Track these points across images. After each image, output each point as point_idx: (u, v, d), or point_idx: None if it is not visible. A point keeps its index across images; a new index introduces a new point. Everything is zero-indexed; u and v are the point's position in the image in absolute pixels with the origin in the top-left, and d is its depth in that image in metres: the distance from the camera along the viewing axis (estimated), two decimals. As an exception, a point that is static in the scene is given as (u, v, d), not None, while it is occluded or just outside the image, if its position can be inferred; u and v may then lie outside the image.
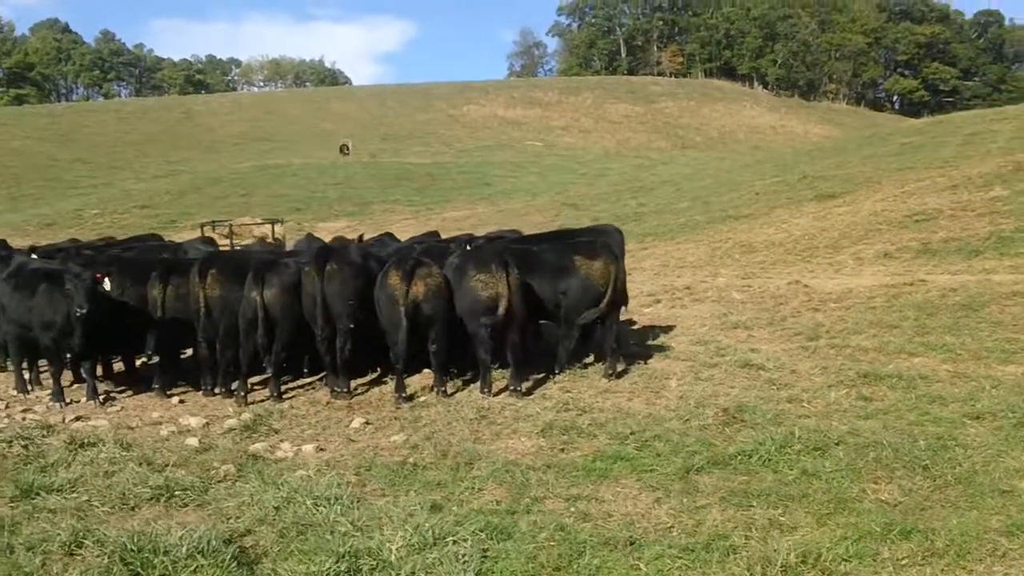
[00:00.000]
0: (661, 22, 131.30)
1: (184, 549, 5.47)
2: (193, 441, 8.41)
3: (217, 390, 10.56)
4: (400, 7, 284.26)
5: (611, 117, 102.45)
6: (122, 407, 10.24)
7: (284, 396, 10.26)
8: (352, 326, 9.99)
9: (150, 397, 10.67)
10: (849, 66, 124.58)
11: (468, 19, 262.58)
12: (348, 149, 65.48)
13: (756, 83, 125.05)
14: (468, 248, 11.18)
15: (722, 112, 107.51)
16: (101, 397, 10.49)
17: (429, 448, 7.95)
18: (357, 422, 9.00)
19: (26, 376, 11.24)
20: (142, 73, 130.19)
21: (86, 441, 8.30)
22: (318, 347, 10.11)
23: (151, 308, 10.63)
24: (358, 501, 6.56)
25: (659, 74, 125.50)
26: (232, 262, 10.68)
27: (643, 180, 52.03)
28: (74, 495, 6.95)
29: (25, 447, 8.28)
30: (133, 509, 6.68)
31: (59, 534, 5.89)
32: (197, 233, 37.57)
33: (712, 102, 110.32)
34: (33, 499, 6.87)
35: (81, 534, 5.89)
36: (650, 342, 12.13)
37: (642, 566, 5.42)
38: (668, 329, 12.95)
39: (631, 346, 11.73)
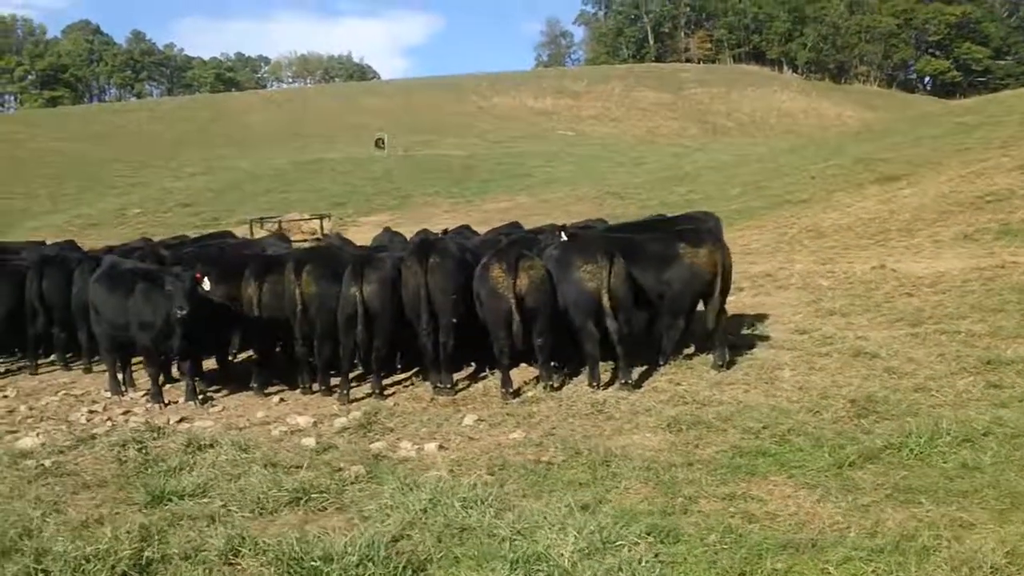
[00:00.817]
0: (688, 8, 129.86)
1: (355, 557, 5.25)
2: (310, 441, 8.22)
3: (315, 387, 10.38)
4: (425, 0, 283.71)
5: (641, 105, 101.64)
6: (223, 407, 10.09)
7: (385, 393, 10.06)
8: (455, 320, 9.77)
9: (248, 396, 10.52)
10: (880, 48, 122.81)
11: (493, 11, 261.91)
12: (384, 143, 65.24)
13: (786, 67, 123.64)
14: (566, 238, 10.87)
15: (752, 97, 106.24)
16: (200, 398, 10.33)
17: (555, 445, 7.71)
18: (470, 419, 8.77)
19: (119, 377, 11.12)
20: (173, 72, 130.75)
21: (204, 443, 8.13)
22: (420, 342, 9.88)
23: (246, 306, 10.48)
24: (504, 503, 6.32)
25: (687, 61, 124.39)
26: (328, 258, 10.48)
27: (682, 168, 51.48)
28: (206, 500, 6.78)
29: (141, 451, 8.13)
30: (272, 513, 6.49)
31: (213, 542, 5.70)
32: (243, 230, 37.79)
33: (742, 87, 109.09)
34: (166, 505, 6.70)
35: (236, 541, 5.69)
36: (747, 331, 11.82)
37: (832, 570, 5.14)
38: (761, 318, 12.63)
39: (730, 336, 11.41)
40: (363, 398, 10.05)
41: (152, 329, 10.00)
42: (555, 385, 9.64)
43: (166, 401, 10.32)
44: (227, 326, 10.82)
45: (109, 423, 9.52)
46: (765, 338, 11.23)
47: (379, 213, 45.88)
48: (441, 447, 7.94)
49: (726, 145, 70.64)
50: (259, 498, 6.67)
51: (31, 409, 10.52)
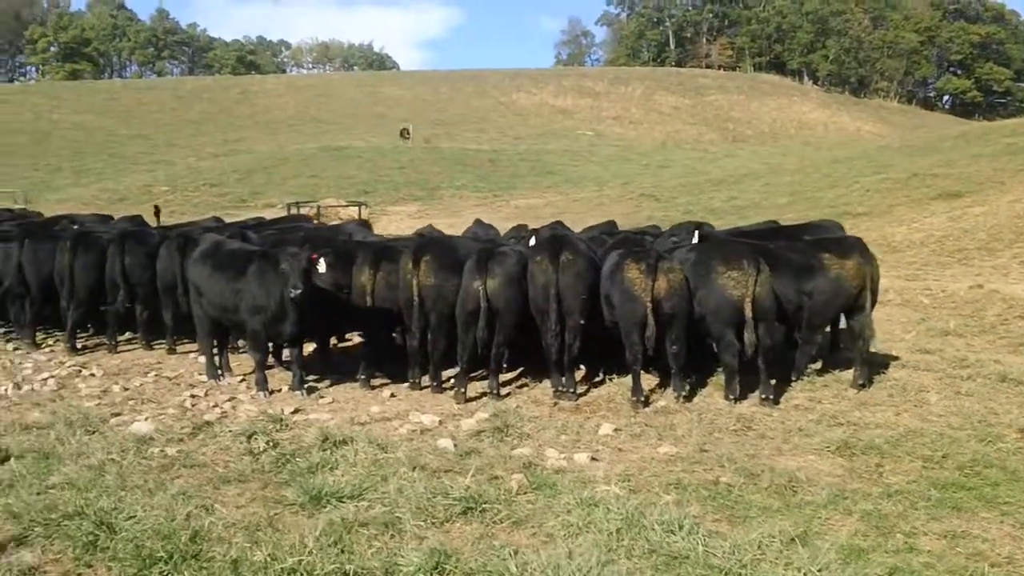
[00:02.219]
0: (711, 14, 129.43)
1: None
2: (447, 443, 7.72)
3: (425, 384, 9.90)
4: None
5: (661, 109, 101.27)
6: (333, 399, 9.59)
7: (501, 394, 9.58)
8: (582, 322, 9.27)
9: (352, 389, 10.04)
10: (901, 64, 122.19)
11: (513, 7, 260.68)
12: (408, 133, 64.82)
13: (806, 78, 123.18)
14: (693, 242, 10.34)
15: (772, 107, 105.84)
16: (306, 388, 9.84)
17: (719, 464, 7.20)
18: (607, 428, 8.26)
19: (217, 361, 10.63)
20: (194, 52, 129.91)
21: (338, 439, 7.63)
22: (545, 343, 9.38)
23: (356, 295, 9.99)
24: (703, 528, 5.82)
25: (708, 67, 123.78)
26: (447, 249, 9.97)
27: (711, 173, 51.04)
28: (364, 503, 6.29)
29: (271, 444, 7.63)
30: (445, 524, 6.00)
31: (411, 557, 5.21)
32: (267, 212, 37.29)
33: (762, 96, 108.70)
34: (324, 507, 6.21)
35: (438, 557, 5.20)
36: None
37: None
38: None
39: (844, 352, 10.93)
40: (476, 398, 9.56)
41: (265, 313, 9.50)
42: (687, 395, 9.14)
43: (271, 390, 9.82)
44: (334, 314, 10.30)
45: (218, 410, 9.02)
46: (890, 357, 10.72)
47: (407, 203, 45.52)
48: (593, 459, 7.43)
49: (751, 153, 69.97)
50: (425, 506, 6.17)
51: (125, 390, 10.03)
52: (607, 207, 38.22)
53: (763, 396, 8.89)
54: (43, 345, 12.62)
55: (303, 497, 6.32)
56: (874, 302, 9.52)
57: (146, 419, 8.60)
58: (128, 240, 12.07)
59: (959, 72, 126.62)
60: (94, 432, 8.10)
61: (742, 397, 9.07)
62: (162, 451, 7.51)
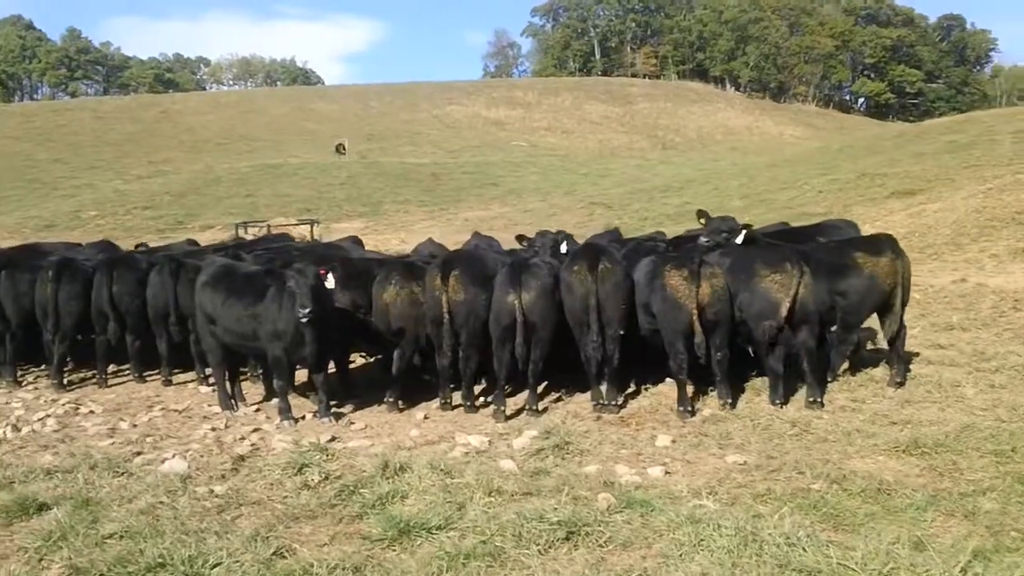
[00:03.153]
0: (634, 24, 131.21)
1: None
2: (510, 465, 7.40)
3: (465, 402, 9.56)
4: (366, 7, 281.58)
5: (591, 118, 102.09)
6: (365, 425, 9.20)
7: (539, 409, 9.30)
8: (622, 332, 9.05)
9: (380, 412, 9.66)
10: (818, 68, 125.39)
11: (435, 21, 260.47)
12: (344, 148, 64.11)
13: (728, 85, 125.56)
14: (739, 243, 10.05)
15: (698, 114, 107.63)
16: (333, 414, 9.43)
17: (792, 470, 7.02)
18: (664, 440, 8.05)
19: (229, 390, 10.14)
20: (109, 71, 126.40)
21: (398, 466, 7.27)
22: (584, 355, 9.13)
23: (379, 314, 9.62)
24: (817, 539, 5.62)
25: (633, 75, 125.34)
26: (476, 263, 9.66)
27: (651, 180, 51.54)
28: (455, 533, 5.95)
29: (325, 476, 7.23)
30: (550, 550, 5.69)
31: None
32: (206, 235, 36.39)
33: (688, 104, 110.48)
34: (416, 540, 5.86)
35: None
36: (875, 346, 11.31)
37: None
38: (875, 332, 12.14)
39: (867, 351, 10.93)
40: (512, 416, 9.27)
41: (285, 338, 9.06)
42: (732, 403, 8.97)
43: (295, 417, 9.38)
44: (354, 335, 9.92)
45: (247, 443, 8.55)
46: (910, 353, 10.70)
47: (352, 220, 44.90)
48: (667, 472, 7.21)
49: (687, 160, 71.16)
50: (521, 532, 5.86)
51: (134, 426, 9.49)
52: (559, 217, 38.23)
53: (810, 399, 8.77)
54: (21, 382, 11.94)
55: (390, 531, 5.95)
56: (906, 300, 9.48)
57: (174, 456, 8.10)
58: (117, 267, 11.47)
59: (872, 75, 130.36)
60: (124, 474, 7.60)
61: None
62: (210, 490, 7.05)
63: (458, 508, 6.38)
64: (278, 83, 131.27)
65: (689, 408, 8.79)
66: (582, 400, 9.68)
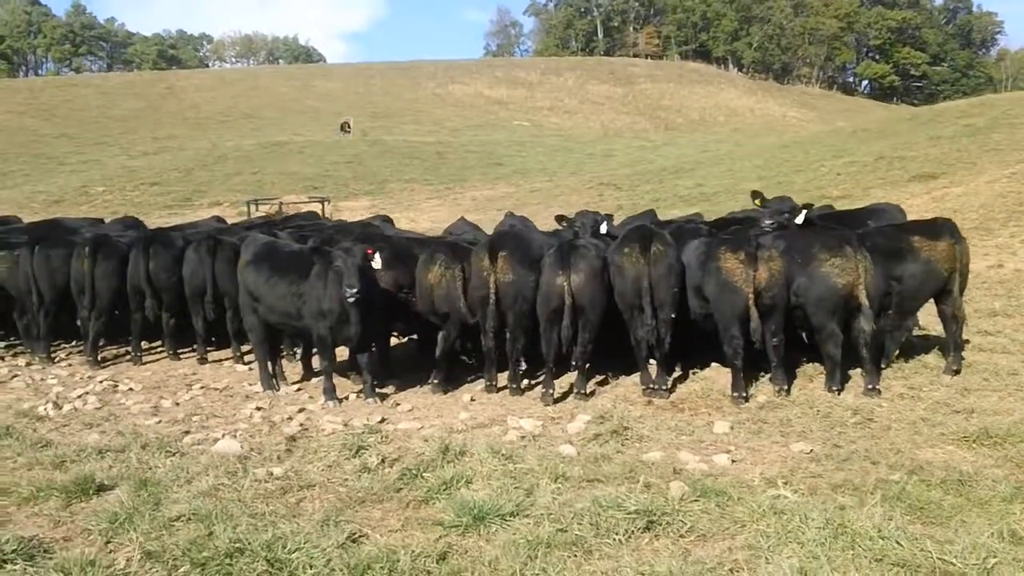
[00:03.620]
0: (638, 3, 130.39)
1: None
2: (569, 450, 7.27)
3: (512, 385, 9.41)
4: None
5: (594, 98, 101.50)
6: (412, 407, 9.05)
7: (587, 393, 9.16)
8: (674, 315, 8.90)
9: (425, 394, 9.52)
10: (823, 50, 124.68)
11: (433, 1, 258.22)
12: (349, 127, 63.72)
13: (731, 66, 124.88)
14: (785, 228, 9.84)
15: (701, 95, 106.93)
16: (379, 395, 9.28)
17: (864, 459, 6.88)
18: (722, 426, 7.90)
19: (270, 369, 9.98)
20: (113, 47, 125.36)
21: (458, 450, 7.14)
22: (635, 338, 8.98)
23: (423, 294, 9.46)
24: (908, 532, 5.48)
25: (635, 56, 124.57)
26: (525, 244, 9.49)
27: (655, 161, 51.25)
28: (529, 520, 5.81)
29: (384, 459, 7.09)
30: (630, 540, 5.56)
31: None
32: (214, 212, 36.12)
33: (690, 84, 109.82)
34: (489, 526, 5.73)
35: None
36: (921, 331, 11.17)
37: None
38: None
39: (913, 336, 10.78)
40: (563, 398, 9.14)
41: (332, 316, 8.91)
42: (787, 389, 8.83)
43: (340, 398, 9.24)
44: (398, 315, 9.77)
45: (295, 423, 8.40)
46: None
47: (358, 198, 44.72)
48: (733, 460, 7.07)
49: (690, 141, 70.72)
50: (599, 521, 5.73)
51: (177, 404, 9.36)
52: (566, 197, 38.00)
53: (868, 386, 8.63)
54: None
55: (463, 517, 5.80)
56: (963, 285, 9.33)
57: (224, 436, 7.98)
58: (154, 244, 11.30)
59: (877, 57, 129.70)
60: (176, 454, 7.48)
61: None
62: (268, 472, 6.91)
63: (526, 494, 6.25)
64: (280, 61, 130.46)
65: (744, 394, 8.65)
66: (628, 384, 9.55)
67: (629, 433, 7.72)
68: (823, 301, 8.59)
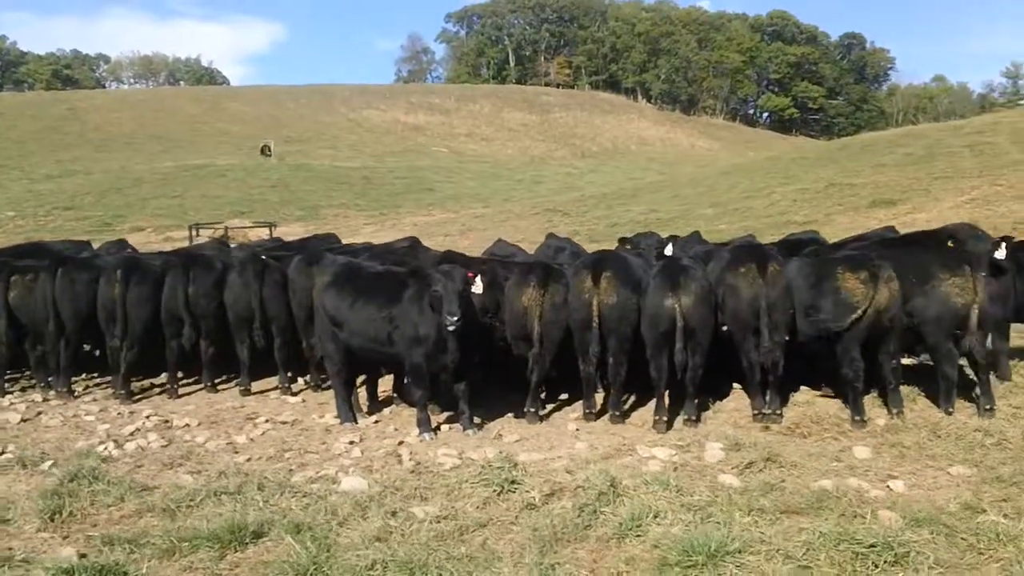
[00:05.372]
0: (549, 34, 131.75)
1: None
2: (731, 480, 6.88)
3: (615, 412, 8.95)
4: (267, 9, 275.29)
5: (510, 125, 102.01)
6: (519, 437, 8.51)
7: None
8: (787, 338, 8.63)
9: (521, 423, 9.00)
10: (726, 83, 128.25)
11: (337, 24, 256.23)
12: (270, 150, 62.28)
13: (640, 96, 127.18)
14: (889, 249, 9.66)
15: (612, 124, 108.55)
16: (476, 426, 8.72)
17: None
18: (863, 452, 7.63)
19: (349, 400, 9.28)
20: (5, 66, 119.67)
21: (623, 483, 6.66)
22: (747, 362, 8.65)
23: (513, 317, 8.97)
24: None
25: (547, 84, 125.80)
26: (627, 265, 9.08)
27: (587, 188, 51.55)
28: (758, 557, 5.40)
29: (546, 495, 6.56)
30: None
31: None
32: (143, 237, 34.62)
33: (602, 114, 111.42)
34: (721, 564, 5.30)
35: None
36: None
37: None
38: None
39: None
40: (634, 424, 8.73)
41: (428, 343, 8.33)
42: (901, 411, 8.61)
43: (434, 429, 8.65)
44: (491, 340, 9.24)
45: (408, 459, 7.77)
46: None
47: (290, 223, 43.41)
48: (913, 485, 6.79)
49: (614, 169, 71.67)
50: (840, 558, 5.35)
51: (252, 441, 8.61)
52: (514, 223, 37.68)
53: (986, 407, 8.48)
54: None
55: (694, 555, 5.35)
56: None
57: (337, 472, 7.34)
58: (194, 267, 10.47)
59: (777, 90, 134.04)
60: (300, 494, 6.79)
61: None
62: (423, 511, 6.31)
63: (724, 526, 5.81)
64: (181, 82, 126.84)
65: (864, 417, 8.40)
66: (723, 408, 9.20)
67: (781, 460, 7.36)
68: (941, 321, 8.44)
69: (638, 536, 5.84)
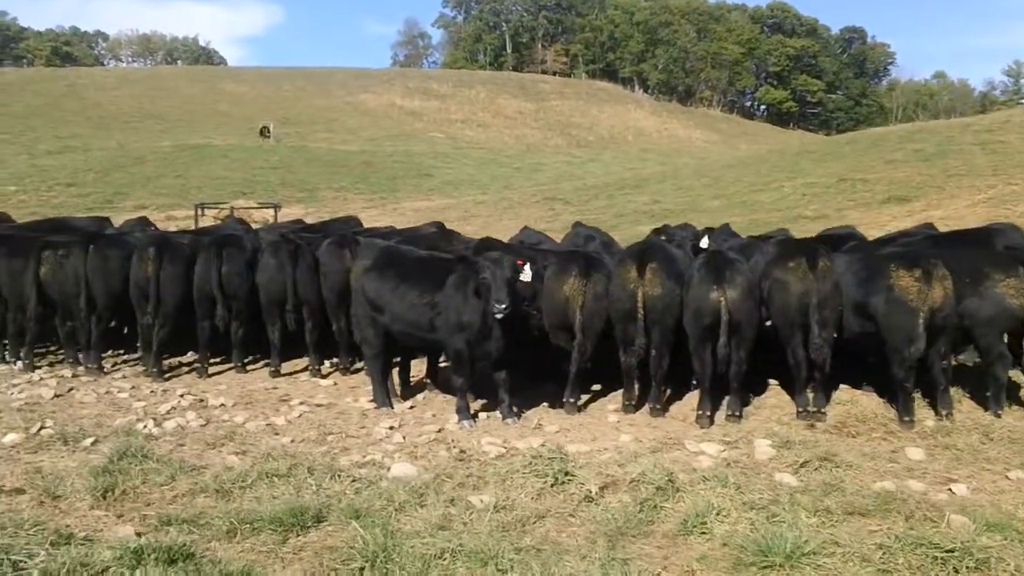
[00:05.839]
0: (547, 21, 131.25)
1: None
2: (789, 479, 6.80)
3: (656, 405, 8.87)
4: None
5: (506, 112, 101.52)
6: (559, 428, 8.43)
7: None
8: (835, 335, 8.56)
9: (560, 415, 8.91)
10: (725, 74, 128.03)
11: (333, 7, 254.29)
12: (269, 131, 61.91)
13: (637, 86, 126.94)
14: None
15: (609, 114, 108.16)
16: (517, 415, 8.63)
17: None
18: (916, 453, 7.55)
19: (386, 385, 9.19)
20: (5, 42, 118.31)
21: (681, 479, 6.59)
22: (794, 359, 8.57)
23: (554, 307, 8.87)
24: None
25: (543, 72, 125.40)
26: (671, 256, 8.99)
27: (586, 178, 51.38)
28: (834, 560, 5.32)
29: (600, 487, 6.48)
30: (960, 580, 5.13)
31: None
32: (138, 215, 34.41)
33: (599, 103, 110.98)
34: (799, 564, 5.22)
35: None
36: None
37: None
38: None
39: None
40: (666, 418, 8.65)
41: (471, 330, 8.23)
42: (951, 413, 8.53)
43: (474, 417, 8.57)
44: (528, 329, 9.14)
45: (452, 446, 7.68)
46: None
47: (291, 205, 43.14)
48: (975, 489, 6.73)
49: (612, 158, 71.48)
50: (911, 560, 5.28)
51: (290, 423, 8.52)
52: (515, 210, 37.51)
53: (1035, 409, 8.45)
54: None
55: (771, 555, 5.27)
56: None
57: (383, 458, 7.28)
58: (227, 246, 10.34)
59: (776, 83, 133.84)
60: (352, 479, 6.70)
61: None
62: (480, 501, 6.23)
63: (791, 527, 5.72)
64: (179, 62, 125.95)
65: (912, 418, 8.32)
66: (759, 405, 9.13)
67: (837, 460, 7.27)
68: (994, 322, 8.38)
69: (703, 534, 5.76)
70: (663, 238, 10.79)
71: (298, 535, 5.65)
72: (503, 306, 7.88)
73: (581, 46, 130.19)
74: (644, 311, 8.55)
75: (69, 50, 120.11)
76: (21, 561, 5.09)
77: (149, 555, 5.08)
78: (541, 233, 12.86)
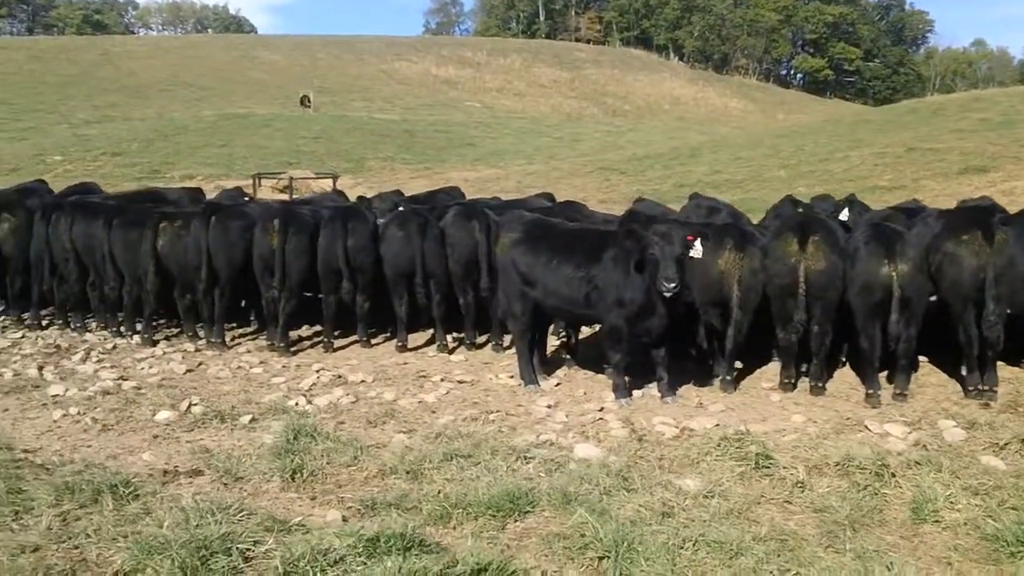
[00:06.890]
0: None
1: None
2: (997, 463, 6.44)
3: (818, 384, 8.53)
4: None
5: (541, 81, 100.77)
6: (724, 407, 8.11)
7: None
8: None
9: (713, 391, 8.60)
10: (761, 42, 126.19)
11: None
12: (310, 101, 61.54)
13: (672, 54, 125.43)
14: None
15: (644, 82, 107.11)
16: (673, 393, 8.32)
17: None
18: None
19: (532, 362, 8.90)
20: (36, 10, 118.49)
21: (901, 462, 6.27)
22: (967, 336, 8.17)
23: (707, 281, 8.53)
24: None
25: (577, 40, 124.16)
26: (833, 229, 8.63)
27: (628, 148, 50.69)
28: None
29: (806, 472, 6.18)
30: None
31: None
32: (188, 184, 34.28)
33: (634, 71, 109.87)
34: None
35: None
36: None
37: None
38: None
39: None
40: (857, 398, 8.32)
41: (632, 307, 7.91)
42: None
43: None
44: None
45: (621, 427, 7.39)
46: None
47: (340, 176, 42.97)
48: None
49: (653, 127, 70.69)
50: None
51: (439, 400, 8.28)
52: (568, 180, 37.02)
53: None
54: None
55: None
56: None
57: (557, 438, 7.02)
58: (352, 219, 10.06)
59: (813, 51, 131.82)
60: (535, 460, 6.43)
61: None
62: (685, 485, 5.96)
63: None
64: (209, 30, 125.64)
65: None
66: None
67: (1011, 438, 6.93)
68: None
69: (936, 522, 5.46)
70: (800, 209, 10.35)
71: (516, 521, 5.40)
72: (672, 284, 7.50)
73: (615, 13, 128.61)
74: (806, 286, 8.20)
75: (100, 18, 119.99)
76: (248, 549, 4.86)
77: (383, 543, 4.84)
78: (660, 204, 12.48)
